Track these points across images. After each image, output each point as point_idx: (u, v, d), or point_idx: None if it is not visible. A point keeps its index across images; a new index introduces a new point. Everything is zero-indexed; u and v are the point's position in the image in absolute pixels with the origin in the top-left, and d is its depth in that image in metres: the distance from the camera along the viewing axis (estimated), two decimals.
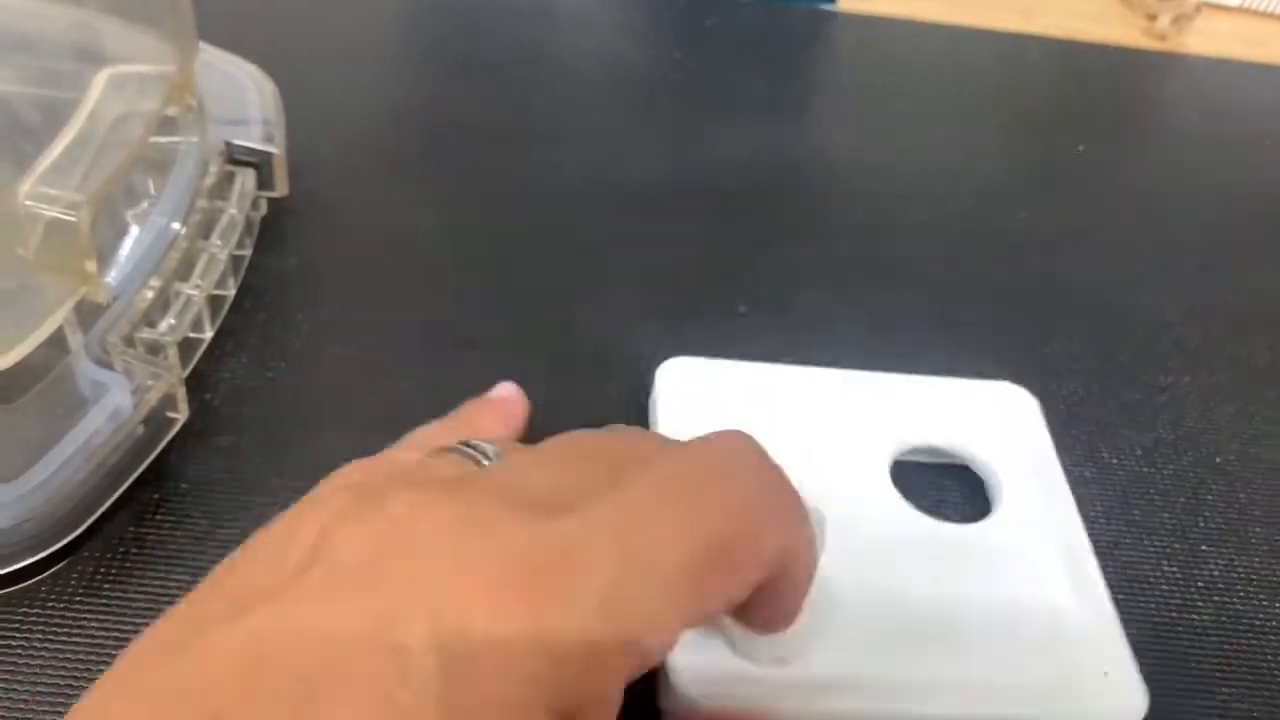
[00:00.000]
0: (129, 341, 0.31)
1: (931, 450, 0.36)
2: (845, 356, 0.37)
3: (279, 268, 0.39)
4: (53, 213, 0.29)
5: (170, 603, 0.29)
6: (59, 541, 0.28)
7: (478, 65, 0.53)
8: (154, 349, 0.31)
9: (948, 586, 0.31)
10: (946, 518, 0.33)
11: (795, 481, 0.31)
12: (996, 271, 0.45)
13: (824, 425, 0.35)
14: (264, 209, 0.40)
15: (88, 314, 0.30)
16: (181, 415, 0.31)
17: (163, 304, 0.32)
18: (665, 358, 0.36)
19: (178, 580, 0.30)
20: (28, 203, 0.29)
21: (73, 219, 0.29)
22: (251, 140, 0.39)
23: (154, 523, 0.31)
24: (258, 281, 0.38)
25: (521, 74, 0.53)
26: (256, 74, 0.42)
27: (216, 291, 0.34)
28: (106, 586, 0.29)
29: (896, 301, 0.43)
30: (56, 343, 0.29)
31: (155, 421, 0.30)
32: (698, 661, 0.28)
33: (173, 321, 0.32)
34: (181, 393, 0.31)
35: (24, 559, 0.28)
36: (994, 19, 0.63)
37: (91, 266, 0.30)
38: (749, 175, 0.49)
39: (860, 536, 0.31)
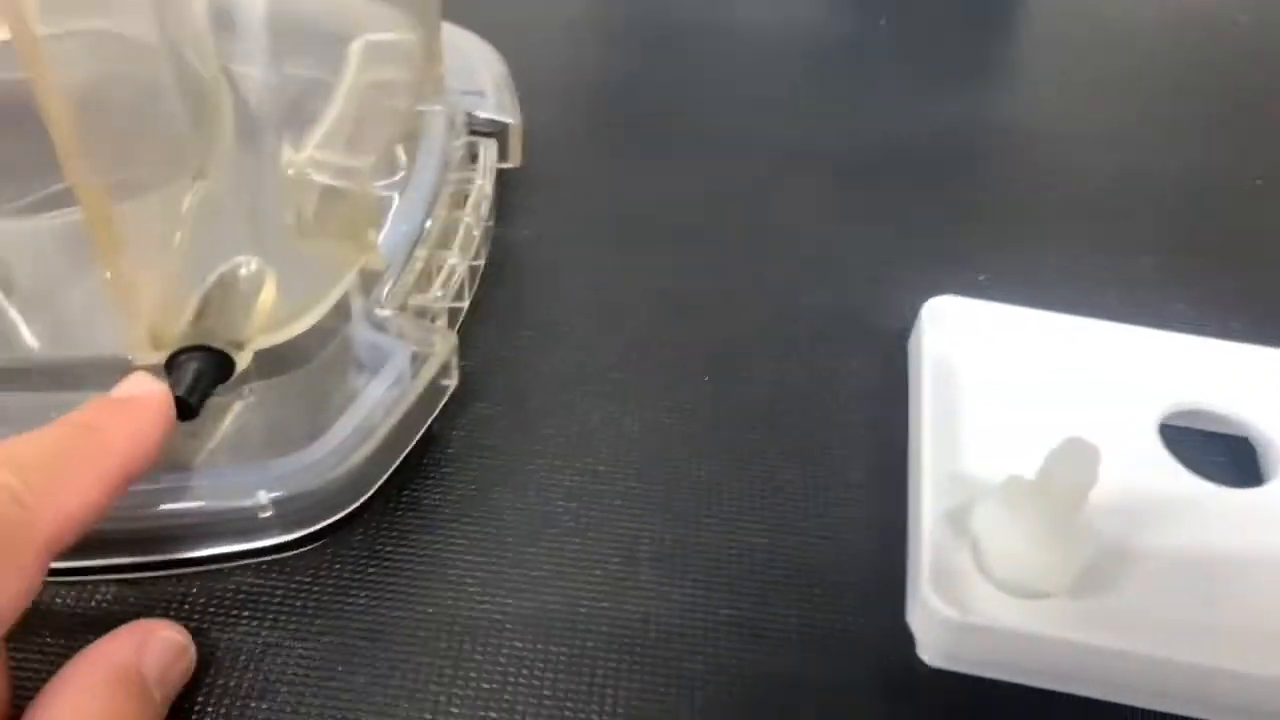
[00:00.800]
0: (403, 308, 0.31)
1: (1205, 415, 0.34)
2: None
3: (516, 239, 0.39)
4: (336, 181, 0.29)
5: (450, 567, 0.29)
6: (346, 508, 0.28)
7: (685, 35, 0.53)
8: (425, 315, 0.31)
9: (1218, 545, 0.30)
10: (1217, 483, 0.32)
11: (1053, 422, 0.30)
12: (1246, 242, 0.42)
13: (1092, 376, 0.34)
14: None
15: (365, 282, 0.30)
16: (453, 382, 0.31)
17: (427, 274, 0.32)
18: (905, 323, 0.36)
19: (455, 544, 0.30)
20: (309, 171, 0.29)
21: (357, 187, 0.29)
22: (488, 111, 0.39)
23: (425, 487, 0.31)
24: (497, 253, 0.38)
25: (728, 43, 0.52)
26: (481, 45, 0.42)
27: (472, 262, 0.34)
28: (388, 549, 0.30)
29: (1142, 270, 0.40)
30: (339, 310, 0.29)
31: (432, 388, 0.30)
32: (947, 583, 0.28)
33: (440, 291, 0.32)
34: (455, 359, 0.31)
35: (311, 525, 0.28)
36: None
37: (374, 235, 0.30)
38: (964, 139, 0.47)
39: (1128, 489, 0.31)
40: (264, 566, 0.29)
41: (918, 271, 0.39)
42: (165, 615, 0.27)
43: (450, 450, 0.32)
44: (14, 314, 0.31)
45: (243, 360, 0.27)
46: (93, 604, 0.28)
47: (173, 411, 0.25)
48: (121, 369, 0.26)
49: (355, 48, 0.34)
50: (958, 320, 0.34)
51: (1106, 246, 0.41)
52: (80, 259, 0.31)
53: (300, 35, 0.36)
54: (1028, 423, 0.32)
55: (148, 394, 0.25)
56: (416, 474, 0.31)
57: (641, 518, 0.31)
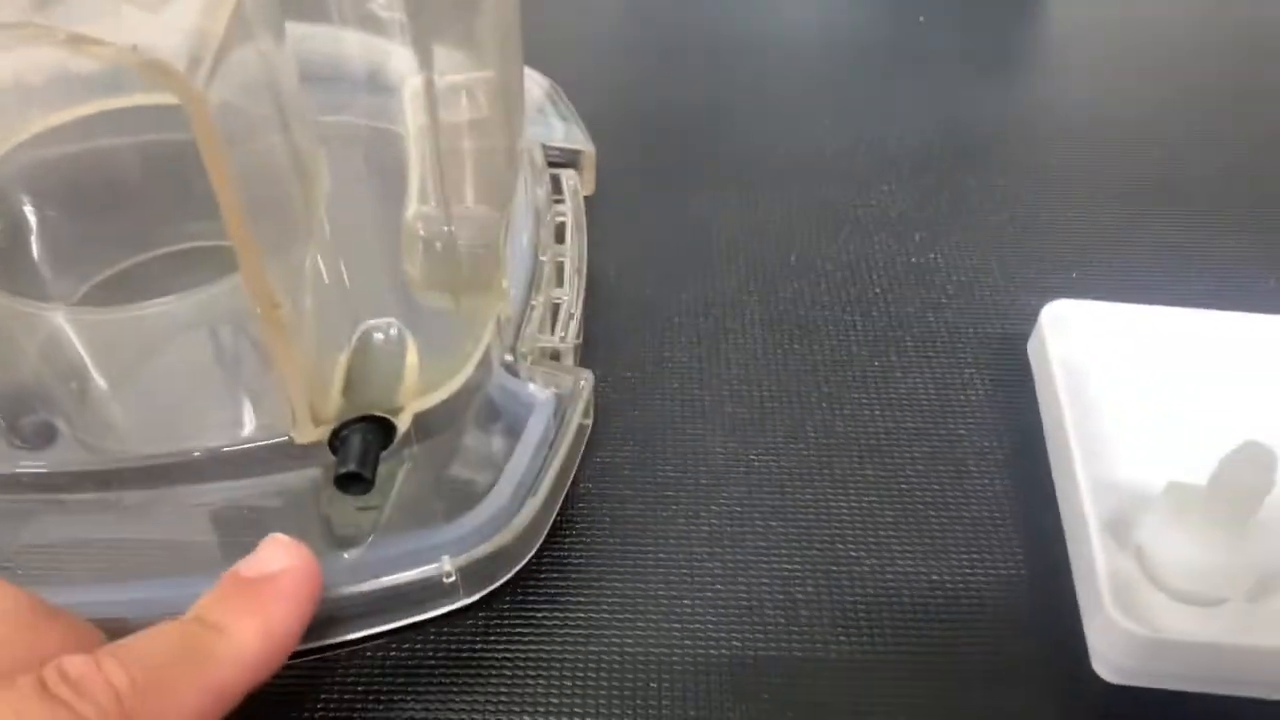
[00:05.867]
0: (533, 353, 0.33)
1: None
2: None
3: (595, 272, 0.41)
4: (455, 230, 0.31)
5: (606, 629, 0.31)
6: (520, 561, 0.30)
7: (723, 52, 0.56)
8: (554, 357, 0.33)
9: None
10: None
11: (1196, 422, 0.35)
12: None
13: (1214, 367, 0.37)
14: None
15: (499, 332, 0.32)
16: (590, 421, 0.33)
17: (544, 314, 0.34)
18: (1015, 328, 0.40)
19: (607, 602, 0.32)
20: (420, 223, 0.31)
21: (480, 235, 0.31)
22: (558, 140, 0.41)
23: (566, 545, 0.33)
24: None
25: (773, 55, 0.56)
26: (535, 75, 0.44)
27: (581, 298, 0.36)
28: (540, 614, 0.31)
29: (1227, 249, 0.44)
30: (480, 363, 0.31)
31: (578, 430, 0.32)
32: (1123, 596, 0.30)
33: (563, 332, 0.34)
34: (593, 398, 0.33)
35: (489, 584, 0.29)
36: None
37: (506, 283, 0.32)
38: (1018, 129, 0.51)
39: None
40: (419, 638, 0.30)
41: (1014, 272, 0.43)
42: (331, 693, 0.29)
43: (582, 505, 0.34)
44: (102, 410, 0.33)
45: (402, 423, 0.29)
46: None
47: (318, 584, 0.26)
48: (229, 459, 0.28)
49: (409, 93, 0.35)
50: (1077, 323, 0.38)
51: (1186, 227, 0.46)
52: (156, 352, 0.32)
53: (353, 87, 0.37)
54: (1166, 422, 0.35)
55: (286, 571, 0.25)
56: (556, 531, 0.33)
57: (789, 557, 0.33)
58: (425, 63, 0.28)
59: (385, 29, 0.32)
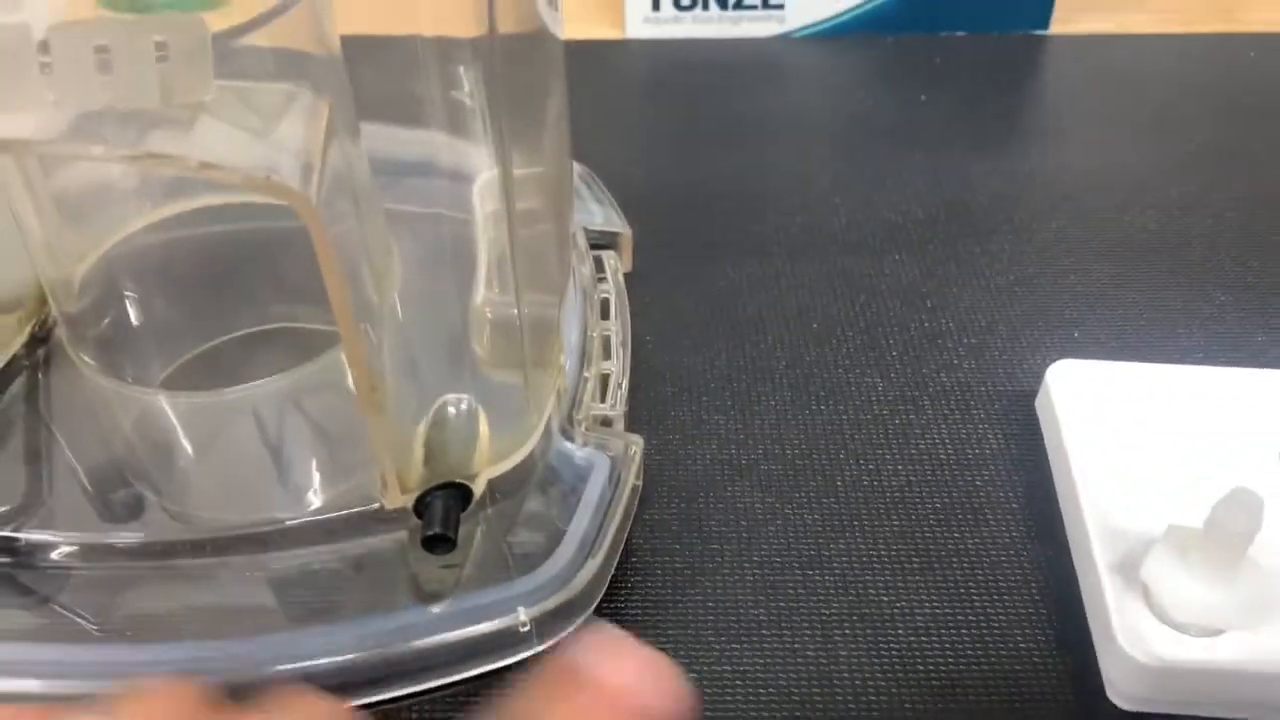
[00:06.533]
0: (588, 420, 0.36)
1: None
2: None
3: (636, 339, 0.45)
4: (519, 312, 0.34)
5: None
6: (585, 612, 0.33)
7: (741, 134, 0.60)
8: (606, 424, 0.37)
9: None
10: None
11: (1192, 470, 0.38)
12: None
13: (1213, 419, 0.41)
14: None
15: (557, 403, 0.36)
16: (641, 482, 0.36)
17: (595, 384, 0.38)
18: (1023, 386, 0.43)
19: (663, 649, 0.35)
20: (488, 306, 0.35)
21: (542, 315, 0.35)
22: (597, 224, 0.45)
23: (622, 596, 0.36)
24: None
25: (782, 133, 0.61)
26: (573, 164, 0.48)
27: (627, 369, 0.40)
28: None
29: (1218, 306, 0.48)
30: (544, 432, 0.35)
31: (631, 490, 0.35)
32: (1132, 629, 0.34)
33: (612, 400, 0.37)
34: (642, 460, 0.36)
35: (558, 634, 0.33)
36: (1202, 23, 0.69)
37: (563, 358, 0.35)
38: (1019, 196, 0.55)
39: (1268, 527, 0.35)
40: (496, 683, 0.33)
41: (1019, 333, 0.47)
42: None
43: (635, 559, 0.37)
44: (192, 483, 0.36)
45: (478, 489, 0.32)
46: None
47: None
48: (323, 526, 0.32)
49: (478, 186, 0.39)
50: (1080, 381, 0.41)
51: (1179, 285, 0.49)
52: (244, 430, 0.36)
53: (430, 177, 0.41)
54: (1165, 470, 0.39)
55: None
56: (614, 583, 0.36)
57: (827, 603, 0.37)
58: (501, 158, 0.31)
59: (467, 121, 0.35)
